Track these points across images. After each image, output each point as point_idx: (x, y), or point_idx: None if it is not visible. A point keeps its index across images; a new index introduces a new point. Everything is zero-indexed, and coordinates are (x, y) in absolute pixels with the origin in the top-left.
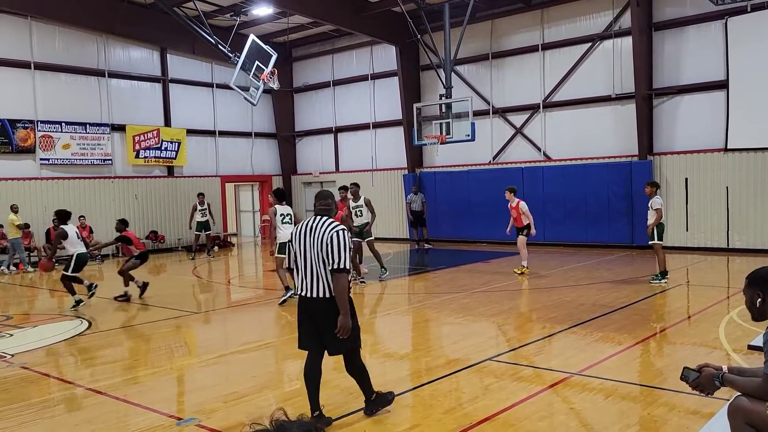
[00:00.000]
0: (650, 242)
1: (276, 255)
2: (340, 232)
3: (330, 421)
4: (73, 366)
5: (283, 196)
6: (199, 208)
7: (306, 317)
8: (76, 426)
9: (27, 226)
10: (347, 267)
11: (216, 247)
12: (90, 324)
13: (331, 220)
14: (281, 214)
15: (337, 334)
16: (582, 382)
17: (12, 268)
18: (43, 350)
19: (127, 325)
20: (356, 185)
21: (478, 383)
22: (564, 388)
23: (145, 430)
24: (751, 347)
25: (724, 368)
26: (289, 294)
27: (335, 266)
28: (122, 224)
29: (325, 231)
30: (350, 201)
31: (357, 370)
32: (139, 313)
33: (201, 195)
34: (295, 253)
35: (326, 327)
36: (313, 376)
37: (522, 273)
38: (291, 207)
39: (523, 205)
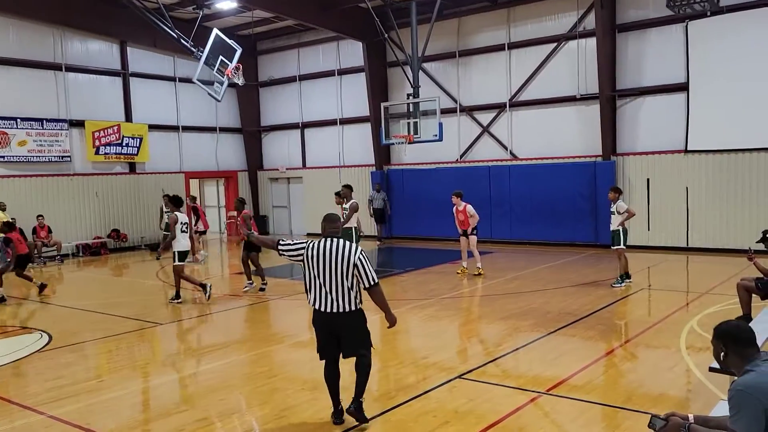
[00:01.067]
0: (614, 247)
1: (176, 264)
2: (363, 254)
3: (341, 416)
4: (34, 388)
5: (181, 202)
6: (165, 209)
7: (326, 330)
8: None
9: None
10: (377, 280)
11: None
12: (50, 338)
13: (346, 242)
14: (181, 222)
15: (388, 328)
16: (550, 402)
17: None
18: (1, 369)
19: (88, 339)
20: (344, 187)
21: (449, 405)
22: (533, 409)
23: None
24: (712, 369)
25: (691, 417)
26: (208, 293)
27: (371, 283)
28: (7, 227)
29: (350, 254)
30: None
31: (365, 367)
32: (100, 325)
33: (166, 196)
34: (310, 273)
35: (346, 335)
36: (335, 379)
37: (480, 274)
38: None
39: (471, 209)
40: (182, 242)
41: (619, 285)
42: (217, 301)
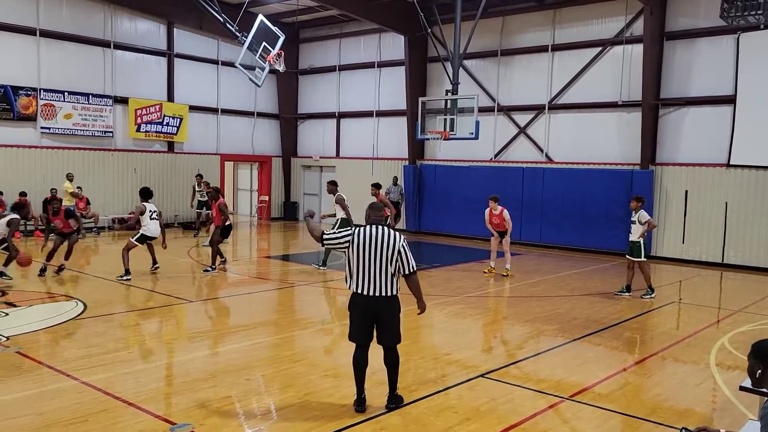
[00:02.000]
0: (638, 260)
1: (131, 240)
2: (406, 242)
3: (364, 405)
4: (68, 354)
5: (151, 194)
6: (197, 189)
7: (364, 314)
8: (71, 425)
9: (75, 196)
10: (416, 268)
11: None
12: (85, 307)
13: (391, 230)
14: (150, 211)
15: (418, 314)
16: (572, 408)
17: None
18: (38, 334)
19: (120, 311)
20: (329, 183)
21: (470, 403)
22: (554, 414)
23: None
24: (743, 388)
25: None
26: (127, 277)
27: (411, 270)
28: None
29: (395, 241)
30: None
31: (394, 361)
32: (133, 298)
33: (199, 176)
34: (356, 258)
35: (385, 321)
36: (363, 366)
37: (507, 275)
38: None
39: (506, 214)
40: (150, 228)
41: (648, 296)
42: (243, 283)
